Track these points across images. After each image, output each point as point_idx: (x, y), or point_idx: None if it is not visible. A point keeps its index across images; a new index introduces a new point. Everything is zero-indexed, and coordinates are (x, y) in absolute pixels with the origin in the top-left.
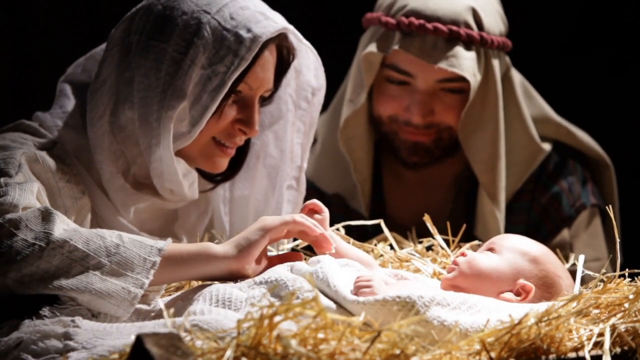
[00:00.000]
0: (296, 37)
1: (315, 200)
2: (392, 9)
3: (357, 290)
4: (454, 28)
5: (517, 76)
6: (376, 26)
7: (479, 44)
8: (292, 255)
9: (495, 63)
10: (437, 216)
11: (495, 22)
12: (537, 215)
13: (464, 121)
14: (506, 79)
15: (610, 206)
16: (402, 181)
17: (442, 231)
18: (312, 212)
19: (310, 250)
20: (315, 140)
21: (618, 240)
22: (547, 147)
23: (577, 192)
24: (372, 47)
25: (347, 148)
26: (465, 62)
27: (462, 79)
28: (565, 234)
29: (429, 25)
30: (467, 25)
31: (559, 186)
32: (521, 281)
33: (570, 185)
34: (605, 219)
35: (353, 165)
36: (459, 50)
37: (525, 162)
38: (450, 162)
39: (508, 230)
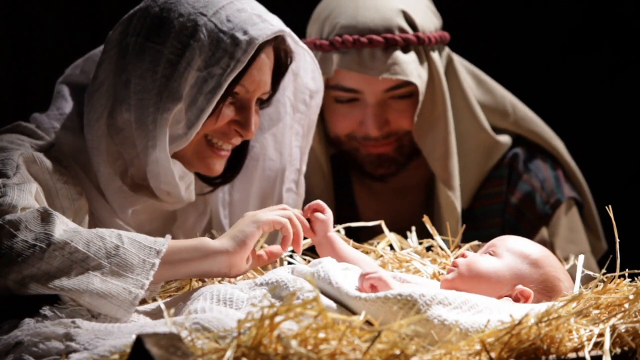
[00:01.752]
0: (293, 40)
1: (319, 201)
2: (323, 32)
3: (368, 282)
4: (389, 35)
5: (462, 65)
6: (312, 51)
7: (417, 44)
8: (275, 252)
9: (437, 59)
10: (414, 219)
11: (428, 19)
12: (512, 217)
13: (417, 123)
14: (450, 70)
15: (609, 206)
16: (373, 191)
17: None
18: (315, 212)
19: (310, 251)
20: None
21: (618, 240)
22: (503, 139)
23: (549, 188)
24: None
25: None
26: (408, 67)
27: (409, 84)
28: (544, 232)
29: (364, 39)
30: (401, 30)
31: (530, 185)
32: (520, 287)
33: (542, 182)
34: (583, 211)
35: (310, 189)
36: (399, 55)
37: (478, 152)
38: (415, 165)
39: (484, 233)
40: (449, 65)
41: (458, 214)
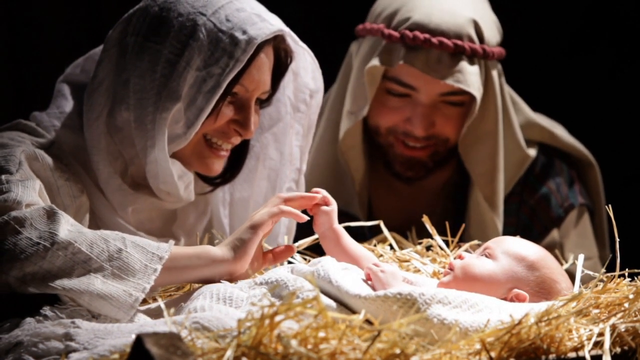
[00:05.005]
0: (292, 40)
1: (323, 192)
2: (393, 21)
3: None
4: (459, 42)
5: (506, 84)
6: (376, 37)
7: (481, 57)
8: (284, 250)
9: (495, 75)
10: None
11: (493, 33)
12: (526, 217)
13: (464, 135)
14: (501, 88)
15: (609, 206)
16: (392, 190)
17: (439, 232)
18: (317, 206)
19: (311, 251)
20: None
21: (617, 240)
22: (532, 152)
23: (564, 193)
24: (376, 61)
25: (345, 158)
26: (470, 78)
27: (465, 93)
28: (554, 234)
29: (434, 40)
30: (470, 39)
31: (547, 187)
32: (515, 291)
33: (558, 185)
34: (594, 218)
35: (352, 175)
36: (464, 65)
37: (513, 168)
38: (440, 171)
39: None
40: (500, 82)
41: (500, 233)
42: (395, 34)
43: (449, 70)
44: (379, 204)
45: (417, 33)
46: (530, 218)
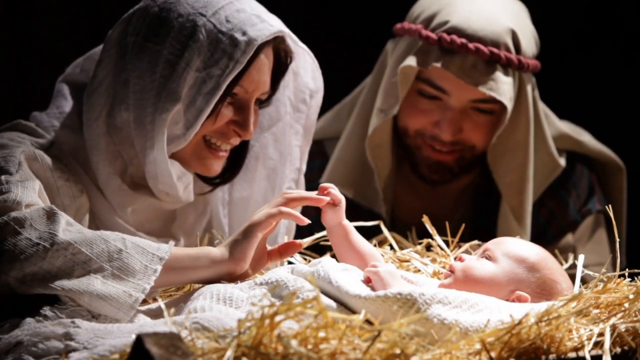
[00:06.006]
0: (292, 40)
1: (331, 188)
2: (431, 23)
3: (366, 274)
4: (495, 50)
5: (539, 98)
6: (413, 37)
7: (516, 67)
8: (290, 245)
9: (529, 87)
10: (445, 221)
11: (530, 45)
12: (544, 219)
13: (494, 144)
14: (533, 100)
15: (609, 206)
16: (415, 191)
17: (441, 233)
18: (327, 205)
19: (311, 251)
20: (321, 144)
21: (618, 240)
22: (563, 162)
23: (584, 197)
24: (411, 61)
25: (372, 156)
26: (503, 87)
27: (496, 101)
28: (569, 238)
29: (471, 45)
30: (507, 49)
31: (567, 192)
32: (517, 292)
33: (578, 191)
34: (610, 225)
35: (377, 172)
36: (498, 74)
37: (542, 178)
38: (464, 176)
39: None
40: (533, 95)
41: None
42: (433, 35)
43: (483, 78)
44: (402, 205)
45: (455, 37)
46: (547, 220)
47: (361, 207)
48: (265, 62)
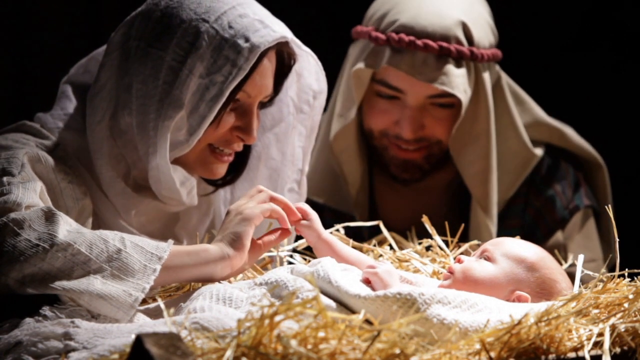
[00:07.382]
0: (296, 44)
1: (301, 205)
2: (382, 24)
3: (365, 275)
4: (444, 45)
5: (507, 84)
6: (366, 40)
7: (469, 59)
8: (282, 232)
9: (486, 76)
10: (436, 219)
11: (485, 34)
12: (531, 219)
13: (455, 136)
14: (497, 88)
15: (609, 206)
16: (394, 191)
17: (440, 233)
18: (298, 223)
19: (311, 251)
20: None
21: (617, 240)
22: (539, 152)
23: (570, 194)
24: (361, 64)
25: (339, 161)
26: (456, 80)
27: (452, 95)
28: (559, 236)
29: (419, 42)
30: (458, 41)
31: (553, 189)
32: (517, 293)
33: (564, 187)
34: (599, 220)
35: (344, 178)
36: (450, 67)
37: (518, 169)
38: (440, 173)
39: (502, 234)
40: (497, 83)
41: (493, 237)
42: (382, 36)
43: (435, 73)
44: (385, 206)
45: (403, 35)
46: (535, 220)
47: (342, 213)
48: (269, 66)
